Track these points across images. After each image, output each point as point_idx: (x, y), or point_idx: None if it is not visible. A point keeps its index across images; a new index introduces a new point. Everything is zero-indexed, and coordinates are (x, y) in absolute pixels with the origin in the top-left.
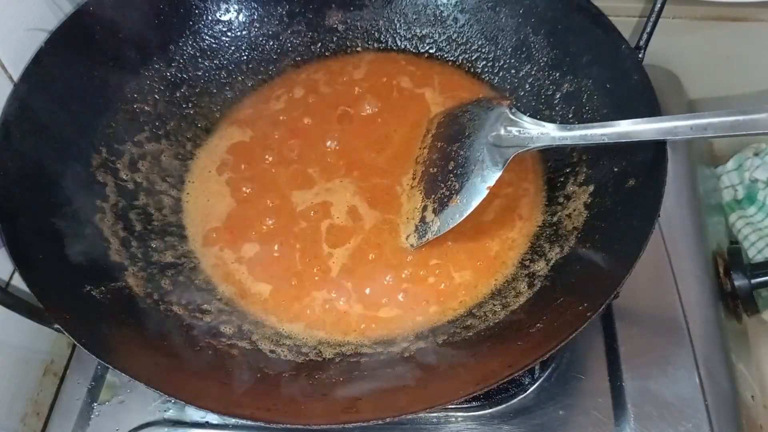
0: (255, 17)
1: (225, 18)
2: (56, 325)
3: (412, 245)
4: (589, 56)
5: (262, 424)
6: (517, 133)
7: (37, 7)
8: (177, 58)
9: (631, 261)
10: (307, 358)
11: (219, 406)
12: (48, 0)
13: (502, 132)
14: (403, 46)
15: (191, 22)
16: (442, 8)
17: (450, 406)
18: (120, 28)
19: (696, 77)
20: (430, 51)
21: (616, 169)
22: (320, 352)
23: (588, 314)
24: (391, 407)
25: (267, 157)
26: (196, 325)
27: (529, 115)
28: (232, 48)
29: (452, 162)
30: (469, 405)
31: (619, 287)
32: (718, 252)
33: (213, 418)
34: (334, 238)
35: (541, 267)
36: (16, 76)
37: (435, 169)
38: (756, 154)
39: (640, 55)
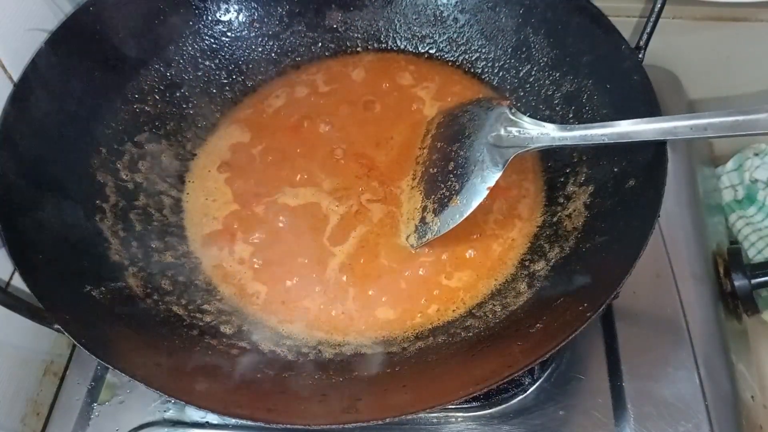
0: (255, 17)
1: (225, 18)
2: (56, 325)
3: (412, 245)
4: (589, 56)
5: (262, 424)
6: (517, 134)
7: (37, 7)
8: (177, 58)
9: (631, 261)
10: (307, 358)
11: (219, 406)
12: (48, 0)
13: (502, 132)
14: (403, 47)
15: (191, 22)
16: (442, 8)
17: (450, 406)
18: (120, 28)
19: (696, 77)
20: (430, 51)
21: (616, 169)
22: (320, 352)
23: (588, 314)
24: (391, 407)
25: (266, 157)
26: (196, 325)
27: (529, 115)
28: (232, 48)
29: (452, 162)
30: (469, 405)
31: (619, 287)
32: (718, 252)
33: (213, 418)
34: (333, 238)
35: (541, 267)
36: (16, 76)
37: (435, 170)
38: (756, 154)
39: (640, 55)
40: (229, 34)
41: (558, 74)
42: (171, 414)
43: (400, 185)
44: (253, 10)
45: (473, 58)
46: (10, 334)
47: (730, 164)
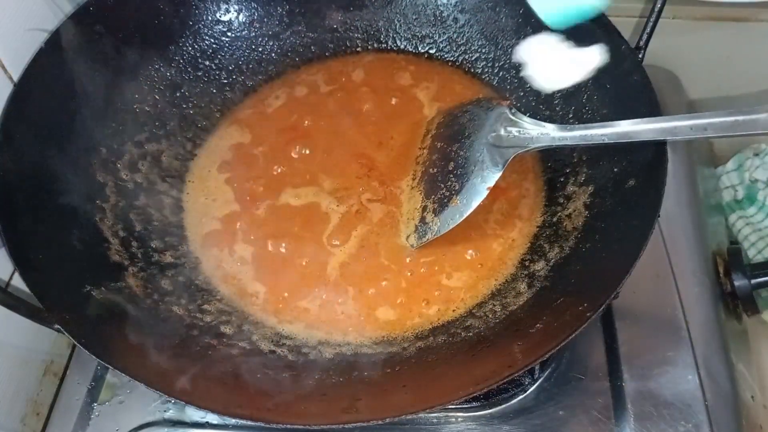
0: (255, 17)
1: (225, 18)
2: (56, 325)
3: (412, 245)
4: None
5: (262, 424)
6: (517, 134)
7: (37, 7)
8: (177, 58)
9: (631, 261)
10: (307, 358)
11: (219, 406)
12: (48, 0)
13: (502, 132)
14: (402, 47)
15: (191, 23)
16: (442, 8)
17: (450, 406)
18: (120, 28)
19: (696, 77)
20: (430, 51)
21: (616, 169)
22: (320, 352)
23: (588, 314)
24: (391, 407)
25: (266, 157)
26: (196, 325)
27: (529, 115)
28: (232, 48)
29: (452, 162)
30: (469, 405)
31: (619, 287)
32: (718, 252)
33: (213, 418)
34: (333, 237)
35: (541, 267)
36: (16, 76)
37: (435, 170)
38: (756, 154)
39: (640, 55)
40: (229, 34)
41: None
42: (171, 414)
43: (400, 185)
44: (253, 10)
45: (473, 58)
46: (10, 334)
47: (730, 164)
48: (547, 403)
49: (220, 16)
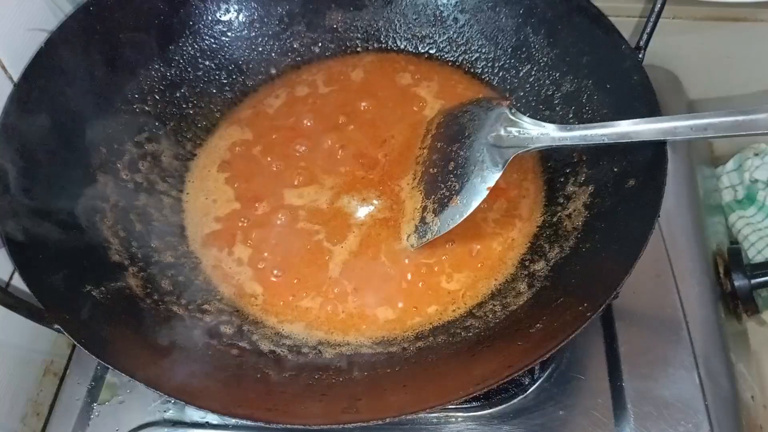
0: (255, 17)
1: (225, 18)
2: (56, 325)
3: (412, 245)
4: (589, 56)
5: (262, 424)
6: (517, 134)
7: (37, 7)
8: (177, 58)
9: (631, 261)
10: (307, 358)
11: (219, 406)
12: (48, 0)
13: (502, 132)
14: (402, 47)
15: (191, 22)
16: (442, 8)
17: (450, 406)
18: (120, 28)
19: (696, 77)
20: (430, 51)
21: (616, 169)
22: (320, 352)
23: (588, 314)
24: (391, 407)
25: (267, 157)
26: (196, 325)
27: (529, 115)
28: (232, 48)
29: (452, 162)
30: (469, 405)
31: (619, 287)
32: (718, 252)
33: (213, 418)
34: (333, 238)
35: (541, 267)
36: (16, 76)
37: (435, 170)
38: (756, 155)
39: (640, 55)
40: (229, 34)
41: (558, 74)
42: (171, 414)
43: (400, 185)
44: (253, 10)
45: (473, 58)
46: (10, 334)
47: (730, 164)
48: (547, 403)
49: (220, 16)
